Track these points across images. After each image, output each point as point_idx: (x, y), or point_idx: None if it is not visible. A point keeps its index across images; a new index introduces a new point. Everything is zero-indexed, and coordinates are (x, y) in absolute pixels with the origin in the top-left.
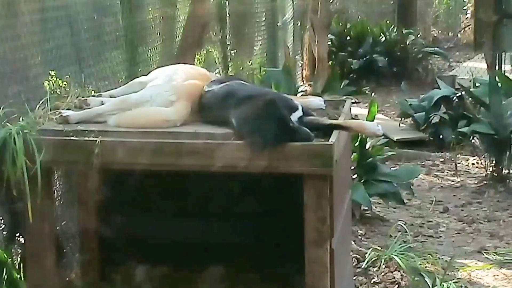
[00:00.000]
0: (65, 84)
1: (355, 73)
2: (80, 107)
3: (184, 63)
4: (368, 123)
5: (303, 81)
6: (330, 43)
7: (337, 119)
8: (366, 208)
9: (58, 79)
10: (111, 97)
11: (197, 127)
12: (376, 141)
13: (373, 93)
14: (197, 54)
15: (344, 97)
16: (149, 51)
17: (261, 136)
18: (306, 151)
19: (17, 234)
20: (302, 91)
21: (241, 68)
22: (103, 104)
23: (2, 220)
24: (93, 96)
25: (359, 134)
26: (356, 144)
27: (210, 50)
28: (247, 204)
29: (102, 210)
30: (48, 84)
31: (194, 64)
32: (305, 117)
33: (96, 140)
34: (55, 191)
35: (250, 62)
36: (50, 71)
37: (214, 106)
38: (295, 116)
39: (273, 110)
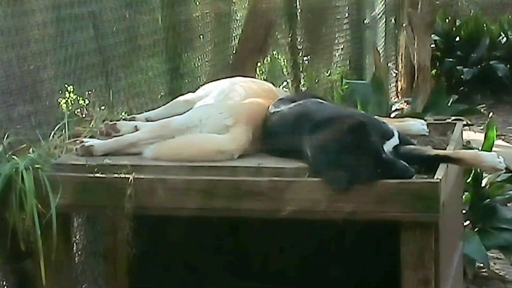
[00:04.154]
0: (87, 104)
1: (467, 86)
2: (107, 134)
3: (243, 76)
4: (486, 154)
5: (398, 96)
6: (433, 46)
7: (445, 149)
8: (482, 265)
9: (78, 97)
10: (147, 121)
11: (260, 160)
12: (495, 177)
13: (490, 113)
14: (260, 63)
15: (453, 118)
16: (197, 59)
17: (345, 172)
18: (403, 191)
19: None
20: (397, 110)
21: (316, 81)
22: (137, 130)
23: (6, 283)
24: (124, 119)
25: (473, 168)
26: (469, 180)
27: (276, 57)
28: (326, 263)
29: (136, 268)
30: (65, 103)
31: (255, 77)
32: (402, 146)
33: (129, 178)
34: (75, 244)
35: (329, 72)
36: (68, 87)
37: (282, 132)
38: (389, 145)
39: (361, 137)
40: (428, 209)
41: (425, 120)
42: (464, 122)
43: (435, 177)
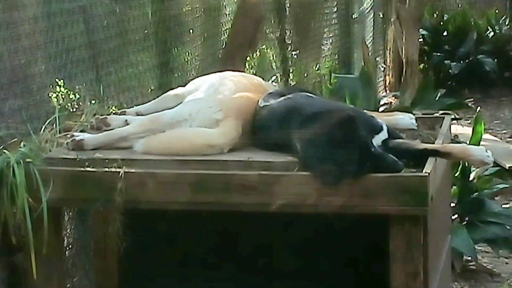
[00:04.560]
0: (78, 98)
1: (455, 80)
2: (98, 128)
3: (233, 70)
4: (474, 147)
5: (386, 91)
6: (421, 40)
7: (433, 143)
8: (470, 258)
9: (69, 91)
10: (138, 115)
11: (250, 154)
12: (483, 171)
13: (478, 107)
14: (249, 57)
15: (441, 112)
16: (187, 53)
17: (334, 166)
18: (392, 185)
19: None
20: (385, 104)
21: (305, 75)
22: (127, 124)
23: None
24: (114, 113)
25: (461, 162)
26: (457, 174)
27: (265, 51)
28: (316, 256)
29: (126, 262)
30: (56, 98)
31: (245, 71)
32: (391, 140)
33: (119, 172)
34: (66, 238)
35: (317, 66)
36: (58, 81)
37: (272, 126)
38: (378, 139)
39: (350, 131)
40: (417, 202)
41: (413, 114)
42: (452, 116)
43: (423, 171)
